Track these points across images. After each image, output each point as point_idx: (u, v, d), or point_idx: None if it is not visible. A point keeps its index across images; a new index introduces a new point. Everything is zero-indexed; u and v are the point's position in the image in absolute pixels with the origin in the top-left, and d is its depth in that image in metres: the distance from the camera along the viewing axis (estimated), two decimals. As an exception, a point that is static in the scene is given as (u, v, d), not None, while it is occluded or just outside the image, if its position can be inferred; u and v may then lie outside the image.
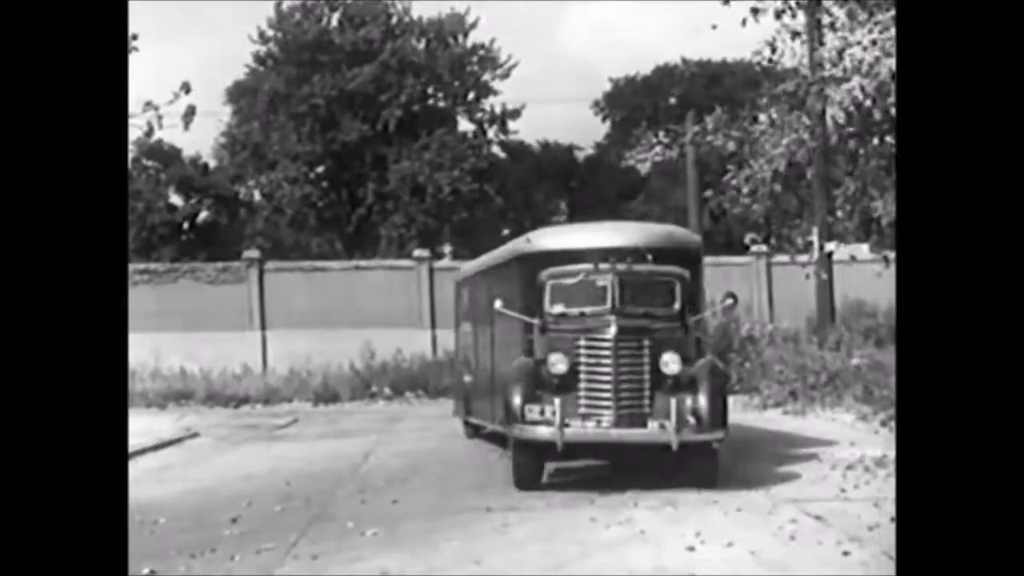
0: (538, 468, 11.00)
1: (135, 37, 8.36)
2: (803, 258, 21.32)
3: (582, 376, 10.81)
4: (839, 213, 17.34)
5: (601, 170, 47.75)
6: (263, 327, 26.74)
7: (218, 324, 26.03)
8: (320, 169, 40.11)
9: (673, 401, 10.38)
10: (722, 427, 10.57)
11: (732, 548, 7.82)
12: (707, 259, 26.23)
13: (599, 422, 10.65)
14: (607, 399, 10.69)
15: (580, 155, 48.34)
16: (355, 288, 27.06)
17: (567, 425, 10.45)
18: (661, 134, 45.24)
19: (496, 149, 43.27)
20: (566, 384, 10.79)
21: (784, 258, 24.28)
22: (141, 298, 24.87)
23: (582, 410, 10.70)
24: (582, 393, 10.76)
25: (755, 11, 14.16)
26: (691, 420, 10.40)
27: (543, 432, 10.52)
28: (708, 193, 23.89)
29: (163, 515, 9.67)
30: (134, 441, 14.70)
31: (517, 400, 10.74)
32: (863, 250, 19.19)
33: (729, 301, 11.86)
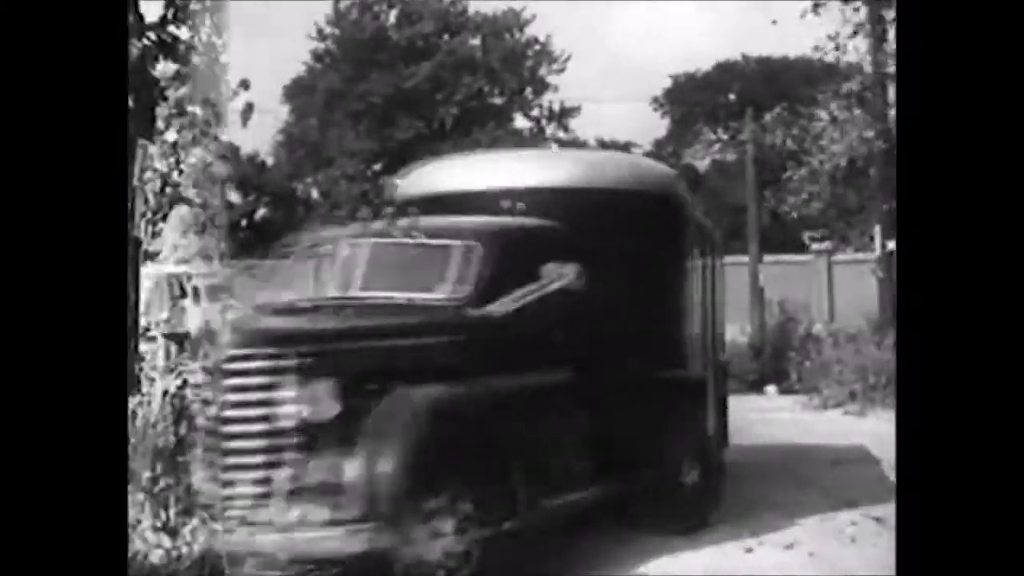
0: None
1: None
2: (864, 256, 21.06)
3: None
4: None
5: (659, 168, 47.55)
6: (319, 323, 26.79)
7: (275, 320, 26.11)
8: (377, 167, 40.28)
9: (285, 475, 5.58)
10: (388, 522, 5.60)
11: (791, 550, 7.72)
12: (767, 258, 25.96)
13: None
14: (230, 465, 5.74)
15: (638, 153, 48.16)
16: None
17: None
18: (720, 131, 44.96)
19: (554, 147, 43.22)
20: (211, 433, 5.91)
21: (845, 256, 23.98)
22: (199, 294, 25.02)
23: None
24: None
25: (816, 5, 13.99)
26: (337, 507, 5.55)
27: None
28: (767, 191, 23.75)
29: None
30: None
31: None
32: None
33: (569, 276, 6.84)
